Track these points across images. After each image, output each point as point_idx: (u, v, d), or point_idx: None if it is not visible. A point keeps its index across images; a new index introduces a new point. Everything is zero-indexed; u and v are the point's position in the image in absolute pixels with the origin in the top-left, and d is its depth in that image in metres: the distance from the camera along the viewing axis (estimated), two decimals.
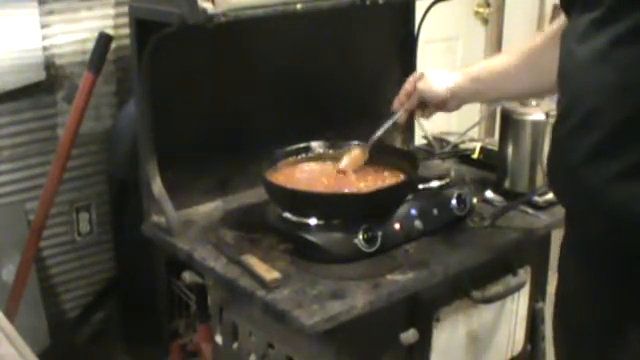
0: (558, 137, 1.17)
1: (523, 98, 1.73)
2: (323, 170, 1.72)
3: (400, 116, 1.65)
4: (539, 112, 1.72)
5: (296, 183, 1.64)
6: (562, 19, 1.42)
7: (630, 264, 1.11)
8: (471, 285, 1.58)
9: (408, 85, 1.64)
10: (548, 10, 3.15)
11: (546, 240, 1.77)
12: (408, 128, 2.12)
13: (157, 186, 1.64)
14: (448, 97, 1.60)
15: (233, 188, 1.82)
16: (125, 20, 1.78)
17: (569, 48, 1.15)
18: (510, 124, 1.75)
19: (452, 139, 2.08)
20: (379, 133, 1.67)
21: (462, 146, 2.05)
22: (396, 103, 1.66)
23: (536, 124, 1.72)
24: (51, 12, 1.96)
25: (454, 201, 1.64)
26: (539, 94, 1.71)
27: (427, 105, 1.64)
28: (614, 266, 1.14)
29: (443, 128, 2.19)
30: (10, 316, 1.84)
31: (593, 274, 1.18)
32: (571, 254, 1.26)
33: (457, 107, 1.64)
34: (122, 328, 2.25)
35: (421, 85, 1.61)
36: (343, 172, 1.67)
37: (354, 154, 1.70)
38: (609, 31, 1.06)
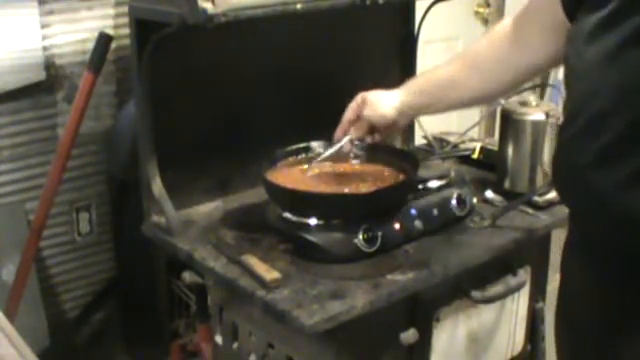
0: (565, 139, 1.16)
1: (471, 106, 1.66)
2: (324, 170, 1.72)
3: (345, 144, 1.62)
4: (539, 112, 1.72)
5: (296, 183, 1.64)
6: (505, 21, 1.42)
7: (634, 264, 1.11)
8: (471, 285, 1.58)
9: (350, 113, 1.60)
10: None
11: (546, 240, 1.77)
12: (408, 128, 2.12)
13: (157, 186, 1.64)
14: (396, 116, 1.56)
15: (233, 188, 1.82)
16: (125, 20, 1.78)
17: (577, 49, 1.13)
18: (510, 124, 1.75)
19: (452, 139, 2.07)
20: (320, 158, 1.66)
21: (462, 146, 2.05)
22: (339, 132, 1.62)
23: (536, 124, 1.71)
24: (51, 12, 1.96)
25: (454, 201, 1.64)
26: (488, 99, 1.68)
27: (377, 128, 1.60)
28: (617, 266, 1.14)
29: (443, 128, 2.19)
30: (10, 316, 1.84)
31: (596, 273, 1.18)
32: (574, 253, 1.26)
33: (406, 125, 1.61)
34: (122, 328, 2.25)
35: (367, 112, 1.57)
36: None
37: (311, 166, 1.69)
38: (618, 31, 1.05)
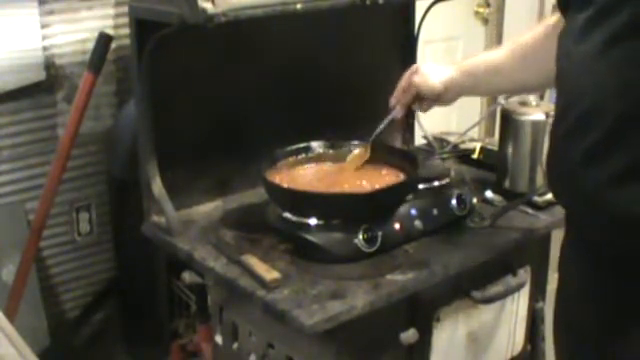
0: (555, 138, 1.17)
1: (515, 93, 1.74)
2: (324, 170, 1.72)
3: (397, 111, 1.65)
4: (539, 112, 1.72)
5: (296, 183, 1.64)
6: (556, 15, 1.42)
7: (629, 264, 1.11)
8: (471, 285, 1.58)
9: (404, 81, 1.64)
10: (548, 10, 3.15)
11: (546, 240, 1.77)
12: (408, 127, 2.13)
13: (157, 186, 1.64)
14: (443, 91, 1.60)
15: (233, 188, 1.82)
16: (125, 20, 1.78)
17: (566, 48, 1.15)
18: (510, 124, 1.75)
19: (452, 139, 2.07)
20: (379, 130, 1.68)
21: (462, 146, 2.05)
22: (393, 99, 1.66)
23: (536, 124, 1.72)
24: (51, 12, 1.96)
25: (454, 201, 1.64)
26: (530, 91, 1.72)
27: (423, 98, 1.63)
28: (613, 266, 1.14)
29: (443, 128, 2.19)
30: (10, 316, 1.84)
31: (593, 274, 1.18)
32: (571, 254, 1.26)
33: (452, 100, 1.64)
34: (122, 328, 2.25)
35: (416, 79, 1.61)
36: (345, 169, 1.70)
37: (356, 152, 1.71)
38: (604, 29, 1.06)
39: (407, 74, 1.64)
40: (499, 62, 1.54)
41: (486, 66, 1.56)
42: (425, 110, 1.68)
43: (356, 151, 1.71)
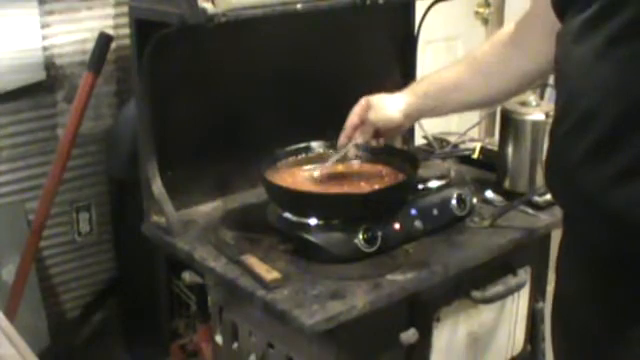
0: (555, 139, 1.17)
1: (475, 109, 1.70)
2: (324, 170, 1.72)
3: (352, 151, 1.63)
4: (539, 112, 1.72)
5: (296, 183, 1.64)
6: (507, 26, 1.43)
7: (626, 265, 1.11)
8: (471, 285, 1.58)
9: (354, 117, 1.59)
10: None
11: (546, 240, 1.76)
12: (408, 128, 2.12)
13: (157, 186, 1.64)
14: (402, 120, 1.56)
15: (233, 188, 1.82)
16: (125, 20, 1.78)
17: (566, 49, 1.15)
18: (510, 124, 1.75)
19: (452, 139, 2.07)
20: (327, 164, 1.65)
21: (462, 146, 2.05)
22: (343, 138, 1.61)
23: (536, 124, 1.72)
24: (51, 12, 1.96)
25: (454, 201, 1.64)
26: (491, 103, 1.70)
27: (380, 132, 1.60)
28: (611, 266, 1.14)
29: (443, 128, 2.19)
30: (10, 316, 1.84)
31: (590, 275, 1.18)
32: (568, 255, 1.26)
33: (408, 127, 1.61)
34: (122, 328, 2.25)
35: (373, 116, 1.57)
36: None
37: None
38: (604, 30, 1.06)
39: (356, 110, 1.59)
40: (456, 79, 1.51)
41: (442, 85, 1.53)
42: (382, 143, 1.63)
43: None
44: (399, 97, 1.57)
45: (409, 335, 1.50)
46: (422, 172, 1.66)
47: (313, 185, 1.64)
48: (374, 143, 1.62)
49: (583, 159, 1.09)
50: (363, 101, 1.59)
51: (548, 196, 1.66)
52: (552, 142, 1.19)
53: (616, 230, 1.09)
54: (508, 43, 1.43)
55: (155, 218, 1.69)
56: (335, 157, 1.65)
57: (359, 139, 1.60)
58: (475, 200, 1.71)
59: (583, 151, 1.08)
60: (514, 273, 1.66)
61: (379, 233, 1.51)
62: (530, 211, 1.69)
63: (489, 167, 1.90)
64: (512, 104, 1.76)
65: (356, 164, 1.72)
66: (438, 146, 2.06)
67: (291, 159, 1.73)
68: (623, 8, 1.03)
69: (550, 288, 1.74)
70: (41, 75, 1.97)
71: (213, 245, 1.57)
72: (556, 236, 1.53)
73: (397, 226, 1.55)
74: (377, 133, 1.60)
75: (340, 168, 1.71)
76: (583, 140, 1.08)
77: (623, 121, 1.04)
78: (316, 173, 1.68)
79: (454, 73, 1.52)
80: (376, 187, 1.61)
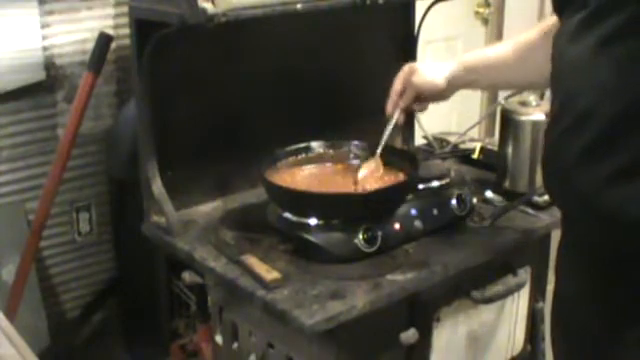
0: (551, 139, 1.17)
1: (515, 89, 1.77)
2: (324, 170, 1.72)
3: (399, 116, 1.63)
4: (539, 112, 1.72)
5: (296, 183, 1.64)
6: (553, 17, 1.43)
7: (624, 265, 1.11)
8: (471, 285, 1.58)
9: (398, 84, 1.62)
10: (548, 10, 3.14)
11: (546, 240, 1.76)
12: (408, 128, 2.12)
13: (157, 186, 1.64)
14: (445, 87, 1.60)
15: (233, 188, 1.82)
16: (125, 20, 1.78)
17: (560, 49, 1.15)
18: (510, 124, 1.75)
19: (452, 139, 2.07)
20: (384, 140, 1.64)
21: (462, 146, 2.05)
22: (390, 105, 1.63)
23: (536, 124, 1.71)
24: (51, 12, 1.96)
25: (454, 201, 1.64)
26: (531, 87, 1.72)
27: (423, 98, 1.63)
28: (609, 266, 1.14)
29: (443, 128, 2.19)
30: (10, 316, 1.84)
31: (589, 275, 1.18)
32: (567, 255, 1.26)
33: (451, 95, 1.64)
34: (122, 328, 2.25)
35: (417, 79, 1.60)
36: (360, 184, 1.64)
37: (372, 167, 1.66)
38: (598, 30, 1.06)
39: (401, 76, 1.62)
40: (503, 60, 1.54)
41: (489, 64, 1.57)
42: (424, 109, 1.67)
43: (372, 164, 1.66)
44: (445, 65, 1.60)
45: (409, 335, 1.50)
46: (422, 172, 1.66)
47: (313, 185, 1.64)
48: (416, 107, 1.65)
49: (579, 159, 1.09)
50: (406, 67, 1.63)
51: (548, 196, 1.67)
52: (548, 142, 1.19)
53: (612, 230, 1.09)
54: (550, 32, 1.43)
55: (155, 218, 1.69)
56: (388, 128, 1.64)
57: (402, 103, 1.62)
58: (475, 200, 1.71)
59: (579, 151, 1.08)
60: (514, 273, 1.66)
61: (379, 233, 1.51)
62: (530, 211, 1.69)
63: (489, 167, 1.90)
64: (512, 104, 1.77)
65: (356, 164, 1.72)
66: (438, 146, 2.06)
67: (291, 159, 1.73)
68: (619, 8, 1.03)
69: (550, 288, 1.74)
70: (41, 75, 1.97)
71: (213, 245, 1.57)
72: (556, 236, 1.53)
73: (397, 226, 1.55)
74: (419, 98, 1.62)
75: (340, 168, 1.71)
76: (579, 140, 1.08)
77: (619, 121, 1.04)
78: (362, 173, 1.65)
79: (503, 54, 1.55)
80: (376, 187, 1.61)
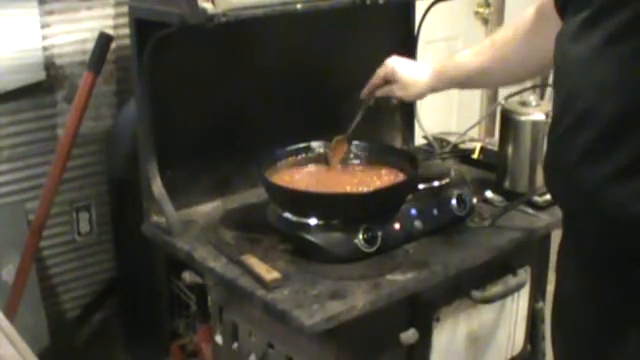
0: (553, 138, 1.17)
1: (493, 88, 1.80)
2: (324, 170, 1.72)
3: (370, 100, 1.70)
4: (539, 112, 1.72)
5: (296, 183, 1.64)
6: (528, 12, 1.43)
7: (626, 264, 1.11)
8: (471, 285, 1.58)
9: (377, 80, 1.67)
10: None
11: (546, 240, 1.77)
12: (408, 128, 2.13)
13: (157, 186, 1.64)
14: (424, 91, 1.63)
15: (233, 188, 1.82)
16: (125, 20, 1.78)
17: (563, 48, 1.15)
18: (510, 124, 1.75)
19: (452, 139, 2.08)
20: (354, 124, 1.70)
21: (462, 146, 2.05)
22: (366, 91, 1.70)
23: (536, 124, 1.72)
24: (51, 12, 1.96)
25: (454, 201, 1.64)
26: (514, 83, 1.73)
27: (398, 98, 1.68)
28: (610, 267, 1.14)
29: (443, 128, 2.19)
30: (10, 316, 1.84)
31: (590, 275, 1.18)
32: (568, 255, 1.26)
33: (425, 97, 1.68)
34: (122, 328, 2.25)
35: (399, 92, 1.64)
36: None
37: (335, 148, 1.72)
38: (602, 29, 1.06)
39: (381, 73, 1.66)
40: (481, 66, 1.55)
41: (468, 72, 1.58)
42: (398, 103, 1.73)
43: (335, 146, 1.72)
44: (424, 79, 1.62)
45: (409, 335, 1.50)
46: (422, 172, 1.66)
47: (313, 185, 1.64)
48: (394, 101, 1.70)
49: (581, 157, 1.09)
50: (389, 69, 1.65)
51: (548, 196, 1.66)
52: (550, 141, 1.19)
53: (614, 229, 1.09)
54: (528, 31, 1.43)
55: (155, 218, 1.69)
56: (360, 114, 1.69)
57: (378, 93, 1.68)
58: (475, 200, 1.71)
59: (581, 149, 1.09)
60: (514, 273, 1.66)
61: (379, 233, 1.51)
62: (530, 211, 1.69)
63: (489, 167, 1.90)
64: (512, 104, 1.77)
65: (356, 164, 1.72)
66: (438, 146, 2.06)
67: (291, 159, 1.73)
68: (622, 7, 1.03)
69: (550, 288, 1.75)
70: (41, 75, 1.97)
71: (213, 245, 1.57)
72: (556, 236, 1.53)
73: (397, 226, 1.55)
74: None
75: (340, 168, 1.71)
76: (581, 138, 1.08)
77: (621, 119, 1.05)
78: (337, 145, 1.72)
79: (480, 60, 1.55)
80: (376, 187, 1.61)
